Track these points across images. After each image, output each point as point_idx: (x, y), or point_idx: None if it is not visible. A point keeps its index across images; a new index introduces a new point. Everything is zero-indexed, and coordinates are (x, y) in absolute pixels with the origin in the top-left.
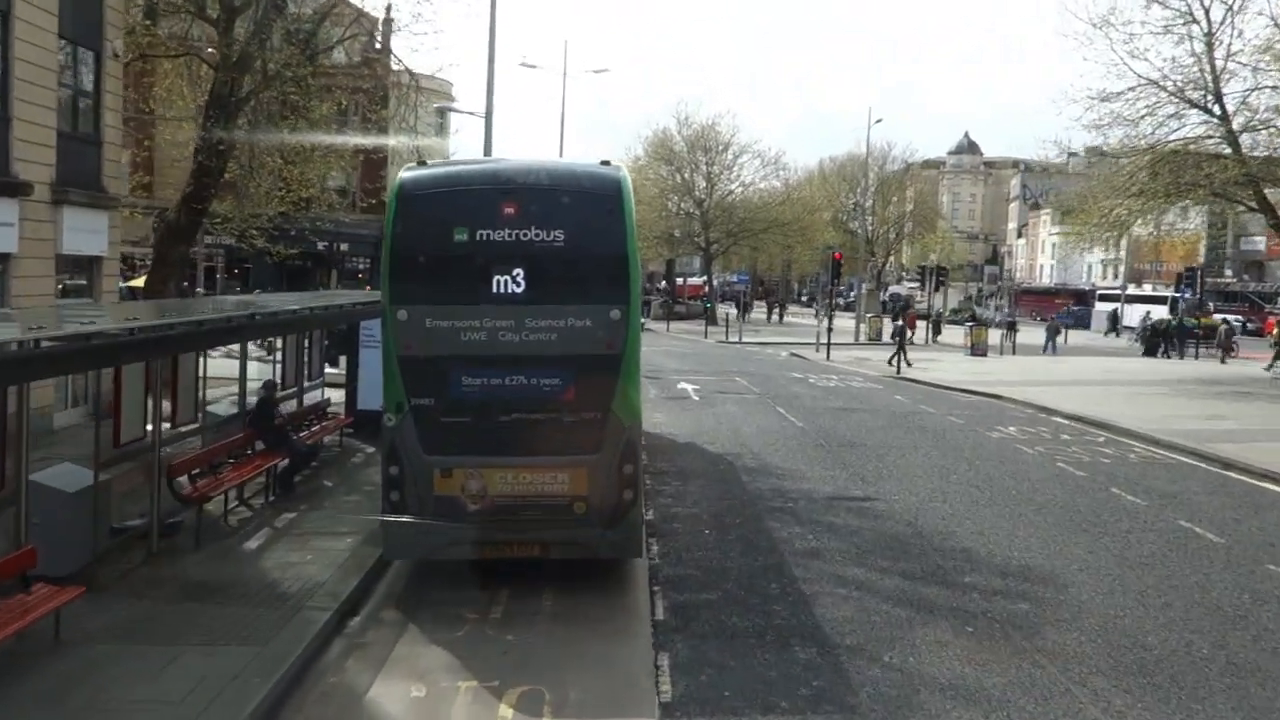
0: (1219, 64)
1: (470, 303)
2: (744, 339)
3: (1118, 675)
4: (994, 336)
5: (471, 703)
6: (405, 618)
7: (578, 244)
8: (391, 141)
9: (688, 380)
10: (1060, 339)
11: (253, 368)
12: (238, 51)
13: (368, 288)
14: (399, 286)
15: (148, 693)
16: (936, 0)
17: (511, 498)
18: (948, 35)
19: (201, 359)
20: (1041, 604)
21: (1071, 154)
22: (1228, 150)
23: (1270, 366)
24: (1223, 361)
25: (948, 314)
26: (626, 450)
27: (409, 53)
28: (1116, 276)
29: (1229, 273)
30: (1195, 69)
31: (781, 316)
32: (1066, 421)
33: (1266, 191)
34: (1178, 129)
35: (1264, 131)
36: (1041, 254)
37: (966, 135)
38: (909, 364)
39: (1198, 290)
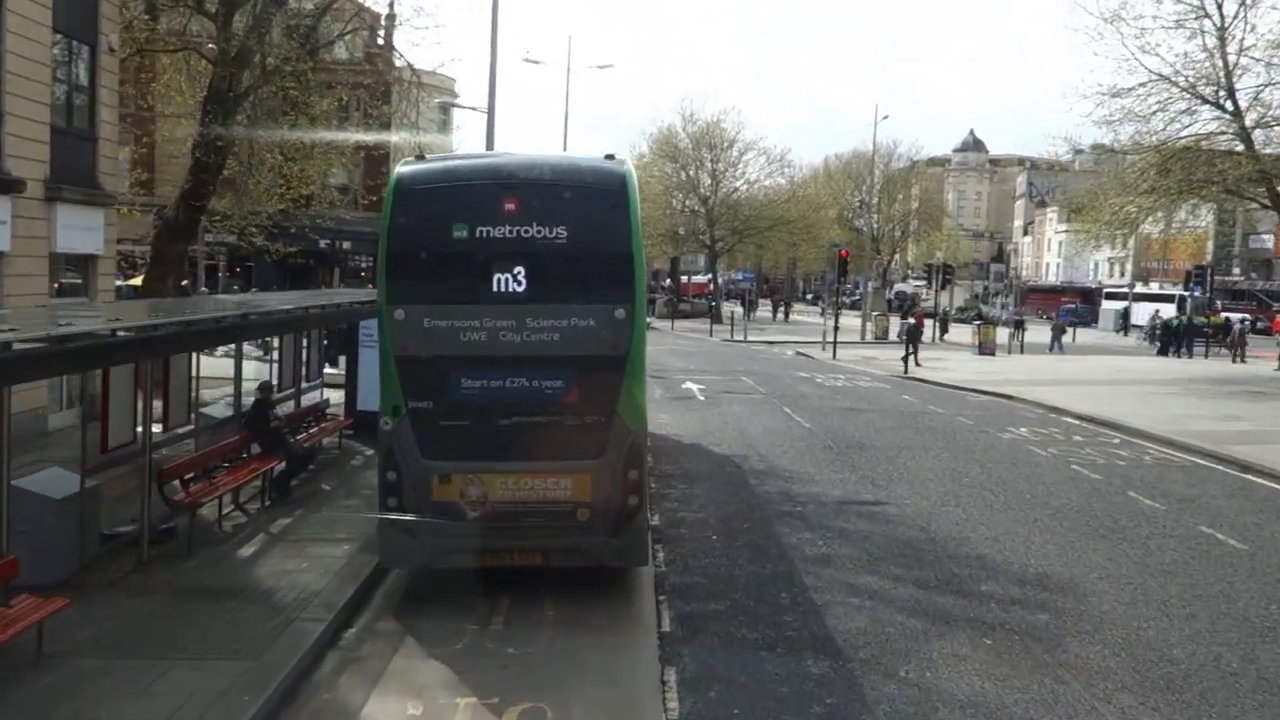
0: (1231, 59)
1: (470, 302)
2: (749, 337)
3: (1144, 692)
4: (1001, 335)
5: None
6: (402, 629)
7: (581, 241)
8: (394, 139)
9: (693, 380)
10: (1066, 337)
11: (250, 368)
12: (236, 46)
13: (369, 286)
14: (396, 285)
15: (133, 711)
16: None
17: (512, 504)
18: (951, 33)
19: (195, 359)
20: (1061, 614)
21: (1078, 151)
22: (1240, 147)
23: None
24: (1240, 360)
25: (954, 312)
26: (631, 455)
27: (410, 47)
28: (1123, 275)
29: (1236, 271)
30: (1207, 64)
31: (787, 315)
32: (1078, 422)
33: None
34: (1189, 125)
35: (1277, 128)
36: (1048, 252)
37: (971, 133)
38: (918, 364)
39: (1208, 289)
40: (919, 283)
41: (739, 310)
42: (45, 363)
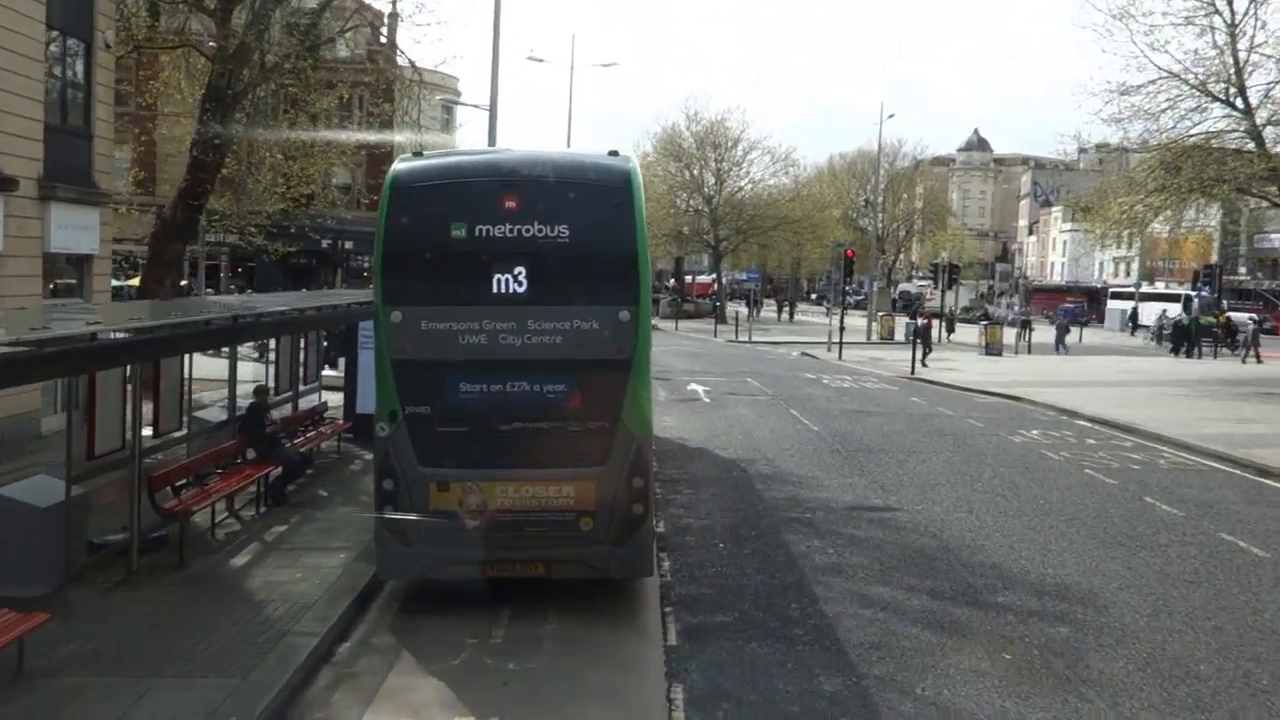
0: (1242, 56)
1: (469, 303)
2: (754, 338)
3: (1173, 711)
4: (1008, 335)
5: None
6: (399, 643)
7: (584, 240)
8: (399, 138)
9: (698, 381)
10: (1072, 337)
11: (248, 369)
12: (235, 43)
13: (371, 286)
14: (393, 286)
15: None
16: None
17: (513, 513)
18: (952, 33)
19: (188, 362)
20: (1082, 627)
21: (1082, 150)
22: (1251, 145)
23: None
24: (1258, 361)
25: (959, 312)
26: (636, 462)
27: (412, 44)
28: (1129, 274)
29: (1243, 270)
30: (1217, 61)
31: (791, 315)
32: (1090, 425)
33: None
34: (1199, 123)
35: None
36: (1053, 251)
37: (976, 132)
38: (925, 365)
39: (1217, 288)
40: (923, 282)
41: (743, 310)
42: (17, 369)
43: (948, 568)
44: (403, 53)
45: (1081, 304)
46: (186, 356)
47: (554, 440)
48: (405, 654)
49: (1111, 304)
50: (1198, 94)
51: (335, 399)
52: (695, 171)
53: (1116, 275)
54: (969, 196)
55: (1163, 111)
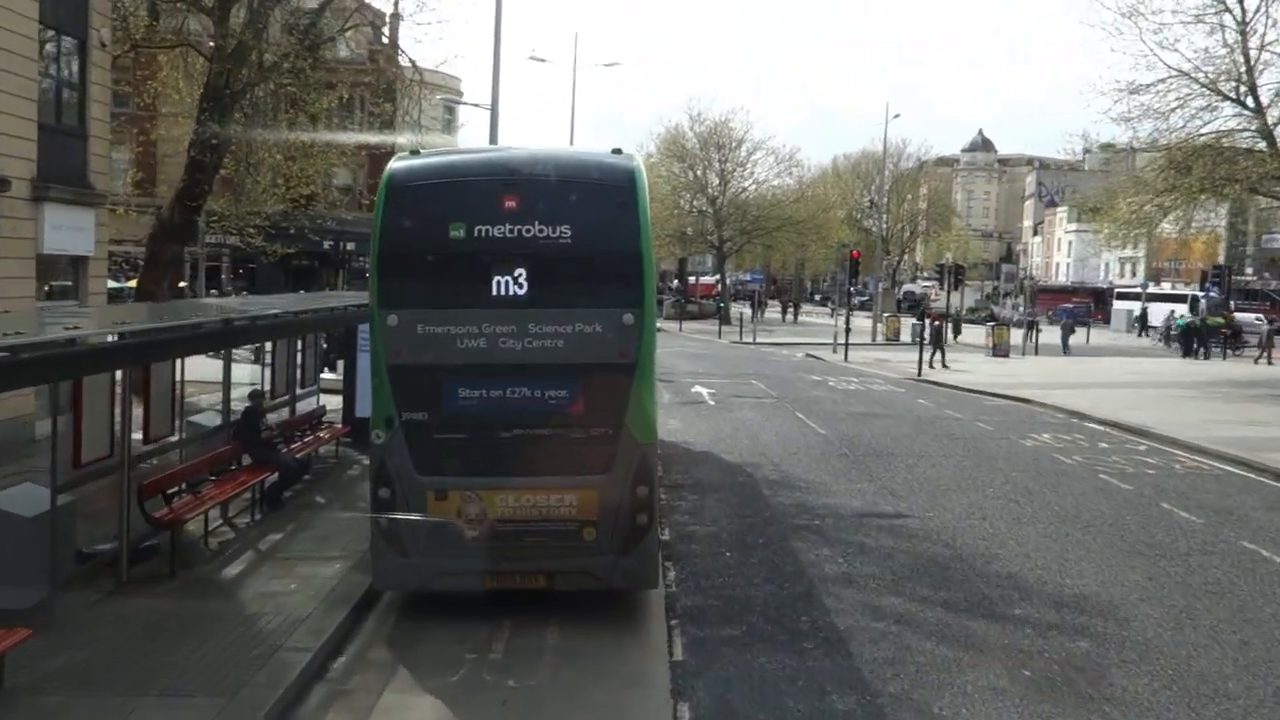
0: (1253, 55)
1: (468, 306)
2: (758, 339)
3: None
4: (1015, 336)
5: None
6: (395, 658)
7: (587, 241)
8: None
9: (702, 383)
10: (1078, 338)
11: (245, 371)
12: (233, 42)
13: None
14: (389, 288)
15: None
16: (942, 3)
17: (514, 523)
18: (953, 37)
19: (180, 365)
20: (1103, 641)
21: (1087, 150)
22: (1262, 145)
23: None
24: (1269, 363)
25: (964, 313)
26: (641, 470)
27: (413, 44)
28: (1134, 275)
29: (1249, 271)
30: (1228, 60)
31: (796, 316)
32: (1102, 428)
33: None
34: (1209, 122)
35: None
36: (1058, 252)
37: (980, 133)
38: (931, 366)
39: (1226, 289)
40: (927, 283)
41: (748, 311)
42: None
43: (962, 578)
44: (404, 52)
45: (1088, 304)
46: (178, 360)
47: (556, 447)
48: (401, 669)
49: (1117, 304)
50: (1208, 93)
51: (334, 402)
52: (699, 172)
53: (1122, 276)
54: (973, 197)
55: (1173, 110)
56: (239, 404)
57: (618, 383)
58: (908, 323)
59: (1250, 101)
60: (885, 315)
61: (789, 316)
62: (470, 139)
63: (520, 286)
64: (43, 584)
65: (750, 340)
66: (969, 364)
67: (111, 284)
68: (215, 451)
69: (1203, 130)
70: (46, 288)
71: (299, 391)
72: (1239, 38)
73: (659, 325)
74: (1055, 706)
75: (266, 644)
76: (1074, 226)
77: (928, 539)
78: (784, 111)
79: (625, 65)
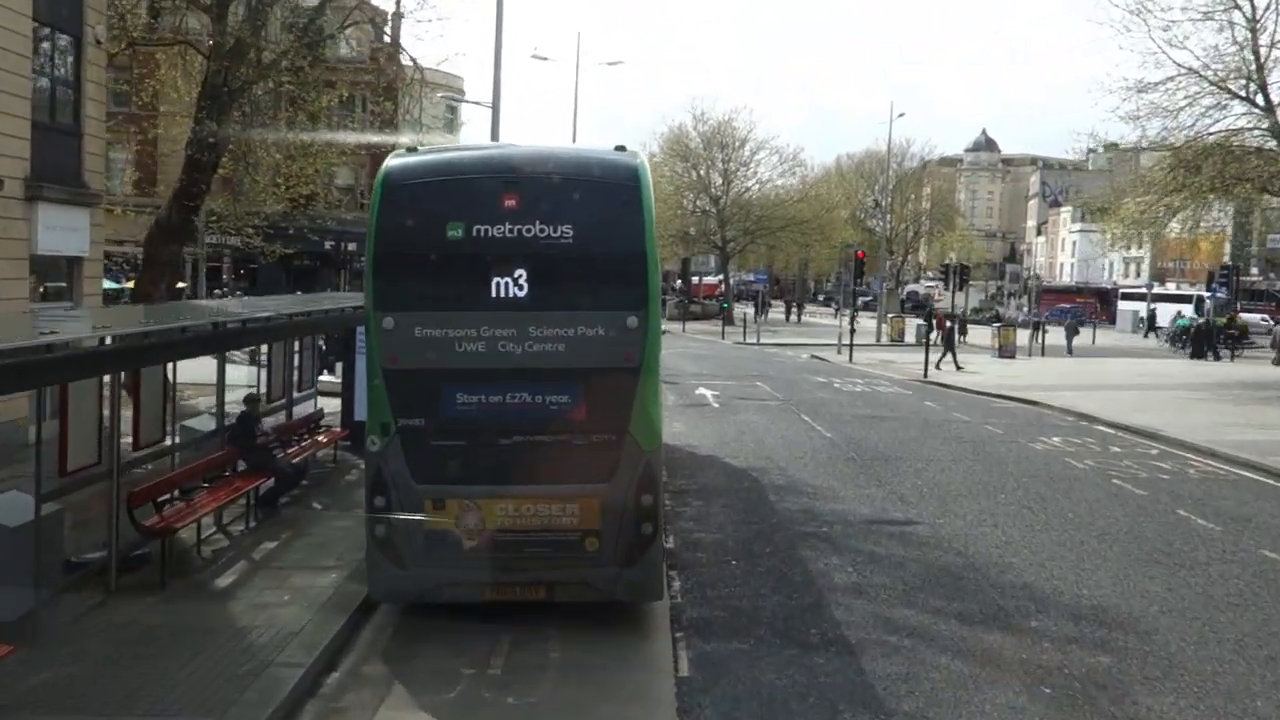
0: (1263, 53)
1: (466, 308)
2: (762, 340)
3: None
4: (1021, 337)
5: None
6: (390, 673)
7: (589, 241)
8: (403, 139)
9: (706, 385)
10: (1082, 339)
11: (242, 373)
12: (232, 40)
13: None
14: (385, 290)
15: None
16: (942, 3)
17: (514, 532)
18: (953, 37)
19: (172, 369)
20: (1125, 656)
21: (1091, 150)
22: (1272, 144)
23: None
24: (1276, 364)
25: (969, 314)
26: (645, 477)
27: (414, 42)
28: (1139, 275)
29: (1254, 271)
30: (1237, 58)
31: (799, 316)
32: (1113, 431)
33: None
34: (1219, 121)
35: None
36: (1062, 252)
37: (984, 132)
38: (939, 368)
39: (1233, 289)
40: (931, 283)
41: (751, 312)
42: None
43: (976, 588)
44: (405, 50)
45: (1088, 304)
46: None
47: (557, 455)
48: (397, 686)
49: (1122, 305)
50: (1217, 91)
51: (332, 405)
52: (702, 172)
53: (1127, 276)
54: (977, 197)
55: (1181, 109)
56: (234, 407)
57: (621, 387)
58: (913, 323)
59: (1260, 100)
60: (890, 316)
61: (793, 317)
62: (472, 138)
63: (521, 288)
64: (27, 596)
65: (754, 341)
66: (976, 365)
67: (110, 285)
68: (209, 457)
69: (1212, 129)
70: (41, 289)
71: (296, 394)
72: (1249, 35)
73: (663, 326)
74: None
75: (258, 659)
76: (1078, 226)
77: (939, 547)
78: (784, 111)
79: (626, 65)
